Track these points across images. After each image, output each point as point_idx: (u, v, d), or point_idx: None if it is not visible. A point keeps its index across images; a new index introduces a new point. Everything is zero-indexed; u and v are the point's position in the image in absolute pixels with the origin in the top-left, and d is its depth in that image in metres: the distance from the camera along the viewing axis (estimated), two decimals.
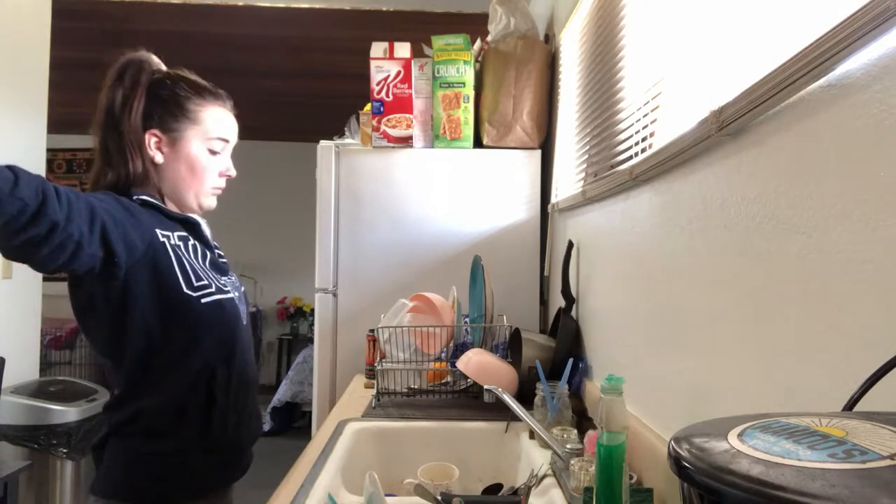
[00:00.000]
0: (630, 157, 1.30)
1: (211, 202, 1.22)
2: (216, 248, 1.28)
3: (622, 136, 1.38)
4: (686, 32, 1.05)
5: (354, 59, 2.87)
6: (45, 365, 3.89)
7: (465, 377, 1.72)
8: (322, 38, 3.64)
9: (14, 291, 2.62)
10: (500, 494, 1.18)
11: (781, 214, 0.73)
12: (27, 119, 2.72)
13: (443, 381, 1.81)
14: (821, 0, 0.66)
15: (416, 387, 1.76)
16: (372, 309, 2.10)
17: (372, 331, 1.99)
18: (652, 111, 1.19)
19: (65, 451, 2.48)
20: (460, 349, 1.83)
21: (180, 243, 1.11)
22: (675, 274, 1.04)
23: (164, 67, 1.19)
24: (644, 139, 1.23)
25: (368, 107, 2.23)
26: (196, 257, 1.13)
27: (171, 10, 3.26)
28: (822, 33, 0.61)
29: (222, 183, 1.22)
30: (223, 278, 1.20)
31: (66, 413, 2.49)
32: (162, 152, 1.14)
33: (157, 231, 1.07)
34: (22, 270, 2.66)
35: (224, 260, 1.27)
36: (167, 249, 1.07)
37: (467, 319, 1.98)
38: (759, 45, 0.79)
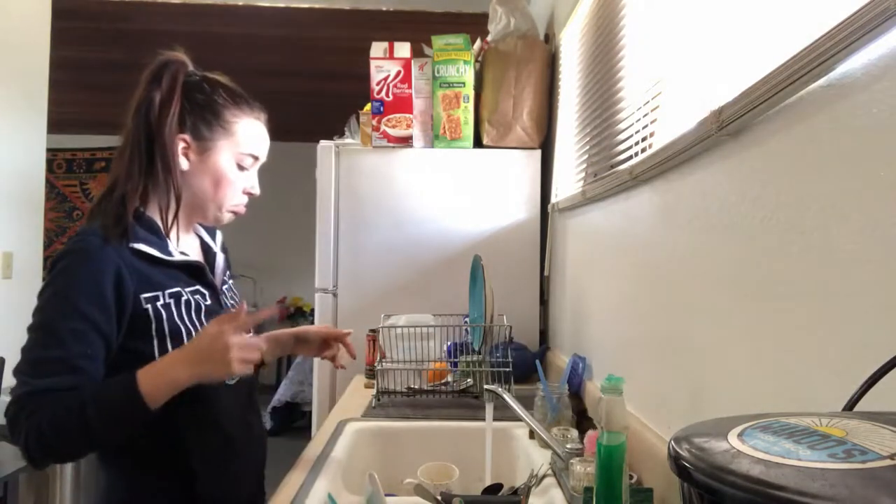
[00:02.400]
0: (630, 157, 1.30)
1: (228, 218, 1.14)
2: (227, 282, 1.21)
3: (622, 136, 1.38)
4: (686, 32, 1.05)
5: (354, 59, 2.87)
6: None
7: (465, 377, 1.72)
8: (322, 38, 3.64)
9: (14, 291, 2.61)
10: (500, 494, 1.18)
11: (781, 214, 0.73)
12: (27, 119, 2.71)
13: (443, 381, 1.81)
14: (821, 0, 0.66)
15: (416, 387, 1.76)
16: (372, 309, 2.10)
17: (372, 331, 1.99)
18: (652, 111, 1.19)
19: None
20: (460, 349, 1.83)
21: (170, 301, 1.02)
22: (675, 274, 1.04)
23: (191, 67, 1.11)
24: (644, 139, 1.23)
25: (368, 107, 2.23)
26: (188, 314, 1.04)
27: (170, 9, 3.26)
28: (822, 33, 0.61)
29: (244, 200, 1.15)
30: None
31: None
32: (189, 160, 1.07)
33: (141, 297, 0.99)
34: (22, 270, 2.66)
35: (233, 301, 1.19)
36: (148, 315, 0.99)
37: (467, 319, 1.98)
38: (759, 45, 0.79)
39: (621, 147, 1.38)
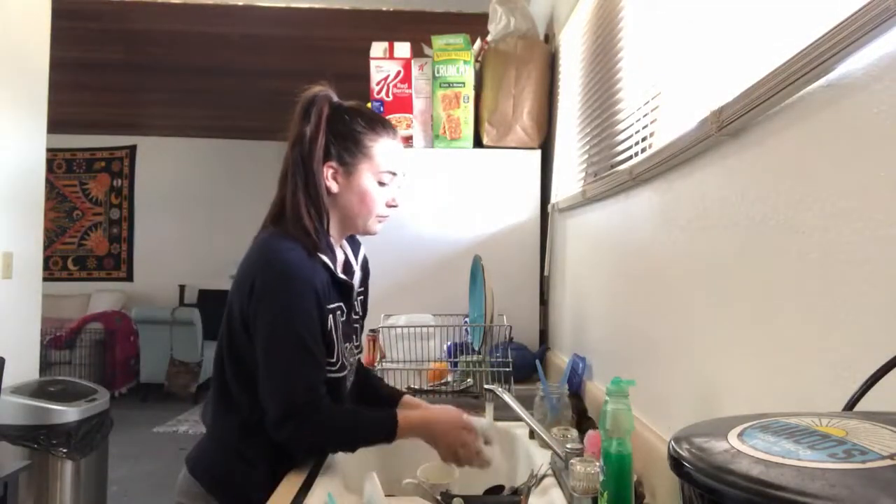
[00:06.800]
0: (630, 157, 1.30)
1: (376, 228, 1.30)
2: (360, 294, 1.35)
3: (622, 136, 1.38)
4: (686, 32, 1.05)
5: (354, 59, 2.88)
6: (45, 365, 3.89)
7: (465, 377, 1.72)
8: (322, 37, 3.64)
9: (14, 291, 2.61)
10: (500, 494, 1.18)
11: (781, 214, 0.73)
12: (27, 119, 2.71)
13: (443, 381, 1.80)
14: (821, 0, 0.66)
15: (416, 387, 1.76)
16: (372, 309, 2.09)
17: (372, 331, 1.98)
18: (652, 111, 1.20)
19: (65, 451, 2.47)
20: (460, 349, 1.83)
21: (337, 314, 1.20)
22: (675, 274, 1.04)
23: (335, 99, 1.26)
24: (644, 139, 1.23)
25: (368, 106, 2.23)
26: (334, 329, 1.19)
27: (170, 9, 3.26)
28: (822, 33, 0.61)
29: (388, 213, 1.29)
30: (347, 345, 1.26)
31: (66, 413, 2.49)
32: (337, 182, 1.23)
33: (328, 307, 1.16)
34: (22, 270, 2.66)
35: (357, 323, 1.34)
36: (326, 325, 1.16)
37: (467, 319, 1.98)
38: (760, 45, 0.79)
39: (621, 147, 1.38)
